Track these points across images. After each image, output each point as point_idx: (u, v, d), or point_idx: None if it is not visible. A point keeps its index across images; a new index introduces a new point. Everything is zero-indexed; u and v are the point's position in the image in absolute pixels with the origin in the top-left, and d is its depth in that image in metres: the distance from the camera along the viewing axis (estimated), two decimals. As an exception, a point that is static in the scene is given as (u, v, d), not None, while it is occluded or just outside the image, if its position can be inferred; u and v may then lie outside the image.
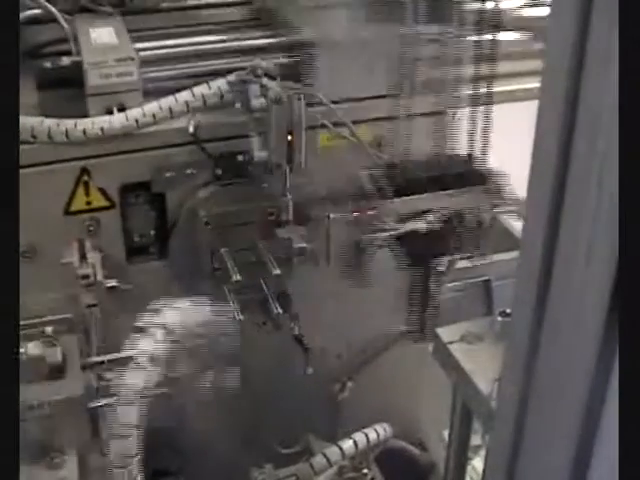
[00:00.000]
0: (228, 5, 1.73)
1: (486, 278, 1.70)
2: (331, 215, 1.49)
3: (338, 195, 1.53)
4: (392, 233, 1.35)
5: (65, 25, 1.46)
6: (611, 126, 0.61)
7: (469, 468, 1.51)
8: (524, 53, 1.65)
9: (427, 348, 1.35)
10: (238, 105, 1.37)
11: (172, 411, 1.33)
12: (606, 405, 0.70)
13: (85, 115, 1.34)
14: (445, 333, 1.30)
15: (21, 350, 1.11)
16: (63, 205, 1.39)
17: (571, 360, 0.72)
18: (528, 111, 0.75)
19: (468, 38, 1.32)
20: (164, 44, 1.54)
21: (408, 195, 1.35)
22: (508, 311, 1.24)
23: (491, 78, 1.31)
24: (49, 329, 1.17)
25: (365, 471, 1.66)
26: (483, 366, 1.21)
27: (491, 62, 1.29)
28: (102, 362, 1.23)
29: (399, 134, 1.36)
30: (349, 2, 1.50)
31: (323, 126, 1.43)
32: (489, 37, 1.30)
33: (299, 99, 1.33)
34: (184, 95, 1.37)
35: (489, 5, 1.31)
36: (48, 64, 1.44)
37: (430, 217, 1.36)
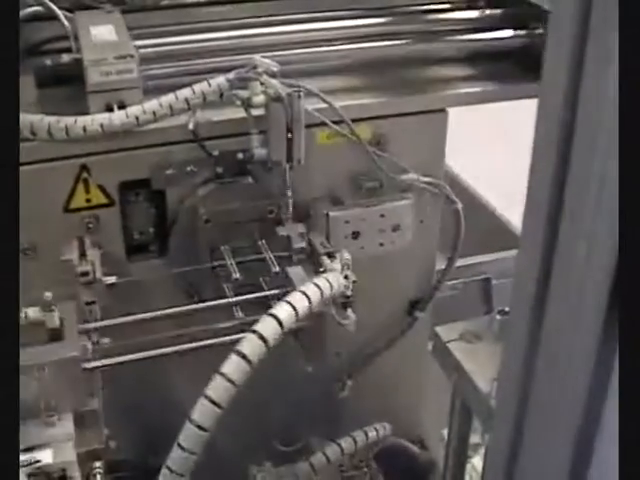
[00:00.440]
0: (228, 3, 1.73)
1: (486, 276, 1.70)
2: (330, 213, 1.49)
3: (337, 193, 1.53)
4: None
5: (65, 22, 1.46)
6: (611, 126, 0.61)
7: (468, 467, 1.51)
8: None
9: (427, 347, 1.35)
10: (238, 103, 1.37)
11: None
12: (606, 404, 0.70)
13: (85, 112, 1.33)
14: (444, 332, 1.30)
15: (21, 315, 1.14)
16: (63, 202, 1.39)
17: (570, 359, 0.72)
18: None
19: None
20: (164, 41, 1.54)
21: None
22: (507, 309, 1.24)
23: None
24: (49, 294, 1.18)
25: (365, 469, 1.66)
26: (482, 365, 1.21)
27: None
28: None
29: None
30: None
31: (322, 124, 1.43)
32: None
33: (299, 97, 1.33)
34: (184, 92, 1.37)
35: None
36: (48, 61, 1.44)
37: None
